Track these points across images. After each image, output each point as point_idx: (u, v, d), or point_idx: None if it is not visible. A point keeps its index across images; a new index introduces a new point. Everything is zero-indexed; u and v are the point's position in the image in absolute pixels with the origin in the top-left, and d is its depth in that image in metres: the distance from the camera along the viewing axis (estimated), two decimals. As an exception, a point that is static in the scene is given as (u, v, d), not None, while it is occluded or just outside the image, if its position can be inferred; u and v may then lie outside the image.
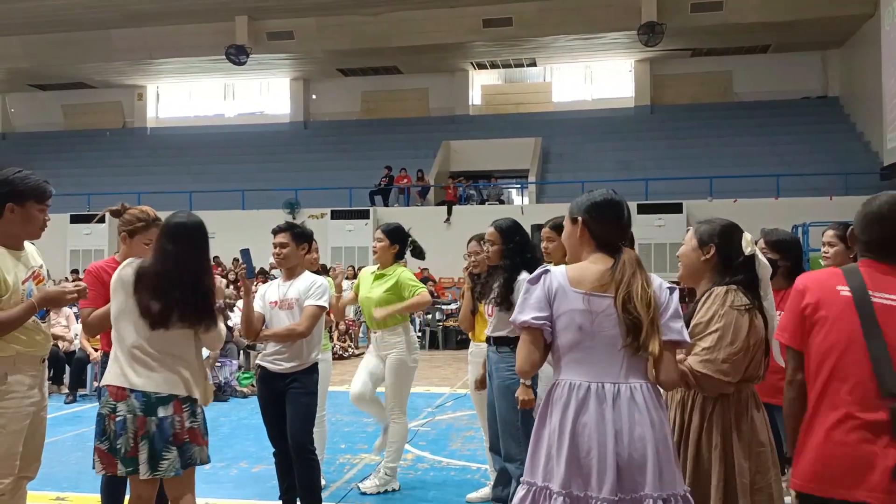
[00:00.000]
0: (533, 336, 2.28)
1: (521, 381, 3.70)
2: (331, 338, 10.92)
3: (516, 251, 3.96)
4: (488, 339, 4.04)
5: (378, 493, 4.70)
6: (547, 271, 2.33)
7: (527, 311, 2.29)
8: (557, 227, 4.17)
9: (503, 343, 3.93)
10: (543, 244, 4.16)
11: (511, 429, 3.86)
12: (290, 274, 4.04)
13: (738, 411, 2.60)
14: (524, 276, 3.84)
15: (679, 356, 2.43)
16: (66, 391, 8.69)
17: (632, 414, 2.20)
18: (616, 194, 2.44)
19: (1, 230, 2.99)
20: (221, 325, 3.13)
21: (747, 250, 2.64)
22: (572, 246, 2.44)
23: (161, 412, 2.93)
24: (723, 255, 2.66)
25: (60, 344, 9.03)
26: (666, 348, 2.28)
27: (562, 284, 2.29)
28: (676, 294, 2.36)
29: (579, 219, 2.40)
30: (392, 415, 4.75)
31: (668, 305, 2.31)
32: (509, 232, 4.00)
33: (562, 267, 2.36)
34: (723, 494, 2.51)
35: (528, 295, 2.31)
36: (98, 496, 3.57)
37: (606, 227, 2.38)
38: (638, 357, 2.25)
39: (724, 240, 2.67)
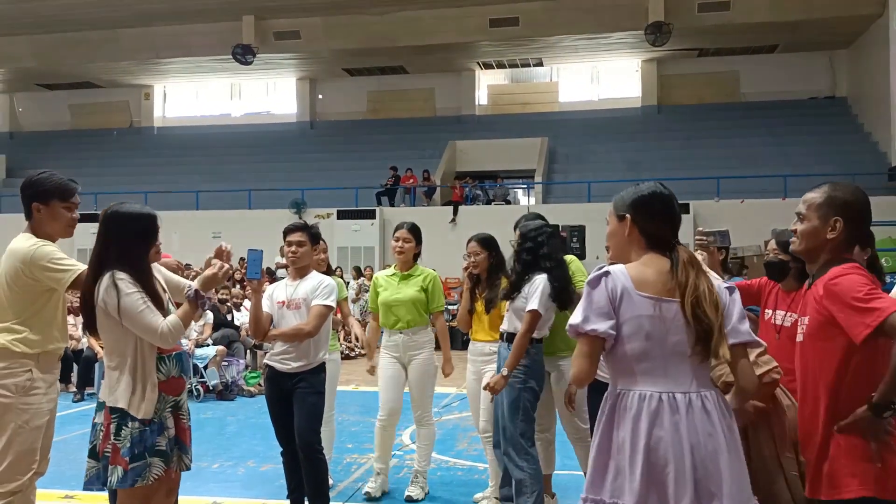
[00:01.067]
0: (594, 345, 2.13)
1: (502, 373, 3.83)
2: (339, 338, 10.93)
3: (533, 252, 3.97)
4: (501, 335, 4.05)
5: (425, 494, 4.65)
6: (607, 272, 2.16)
7: (592, 317, 2.11)
8: (483, 241, 4.23)
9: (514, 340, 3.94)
10: (471, 259, 4.26)
11: (511, 425, 3.88)
12: (299, 274, 4.04)
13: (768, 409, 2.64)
14: (543, 275, 3.87)
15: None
16: (74, 390, 8.72)
17: (705, 425, 2.10)
18: (665, 188, 2.29)
19: (36, 231, 3.08)
20: (158, 321, 2.74)
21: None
22: (619, 245, 2.28)
23: (97, 417, 2.88)
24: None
25: (69, 343, 9.07)
26: (738, 353, 2.21)
27: (626, 287, 2.13)
28: (737, 294, 2.28)
29: (627, 216, 2.24)
30: (424, 417, 4.66)
31: (731, 307, 2.22)
32: (526, 235, 4.03)
33: (622, 266, 2.18)
34: (790, 495, 2.52)
35: (591, 298, 2.14)
36: (105, 494, 3.57)
37: (658, 224, 2.22)
38: (704, 364, 2.17)
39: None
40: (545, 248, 3.96)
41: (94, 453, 2.80)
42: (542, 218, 4.32)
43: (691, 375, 2.14)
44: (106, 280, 2.75)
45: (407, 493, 4.65)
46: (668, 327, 2.13)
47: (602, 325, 2.10)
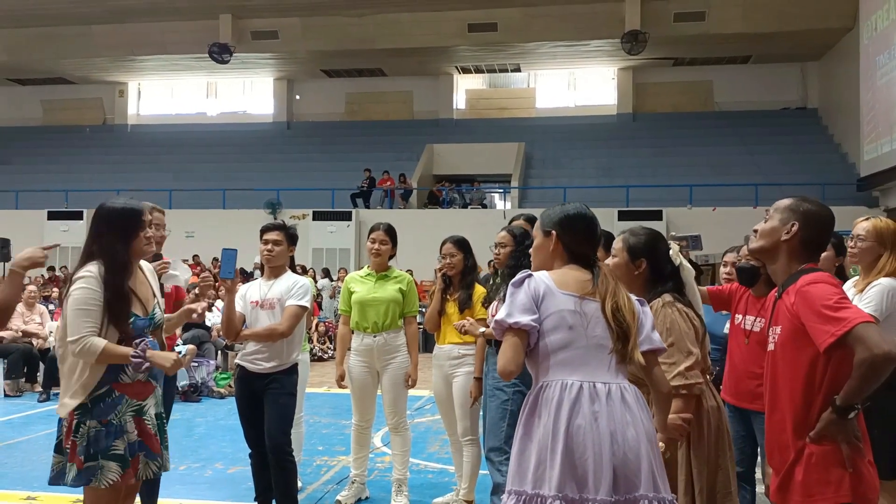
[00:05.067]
0: (520, 337, 2.26)
1: (475, 376, 3.95)
2: (309, 339, 10.86)
3: (525, 254, 3.97)
4: (489, 342, 4.03)
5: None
6: (530, 275, 2.33)
7: (515, 312, 2.26)
8: (459, 243, 4.30)
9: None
10: (446, 260, 4.26)
11: (496, 429, 3.88)
12: (273, 274, 4.01)
13: (696, 404, 2.74)
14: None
15: None
16: (40, 389, 8.56)
17: (623, 414, 2.20)
18: (587, 208, 2.46)
19: None
20: (82, 329, 2.65)
21: (676, 261, 2.81)
22: (542, 259, 2.45)
23: (60, 411, 2.80)
24: (653, 267, 2.78)
25: (34, 341, 8.91)
26: (651, 359, 2.35)
27: (549, 286, 2.30)
28: (647, 307, 2.44)
29: (553, 232, 2.40)
30: (400, 424, 4.53)
31: (643, 317, 2.37)
32: (522, 237, 4.02)
33: (543, 272, 2.36)
34: (697, 489, 2.64)
35: (514, 297, 2.29)
36: (69, 496, 3.51)
37: (581, 241, 2.40)
38: (623, 364, 2.29)
39: (653, 252, 2.80)
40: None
41: (59, 448, 2.77)
42: (537, 219, 4.34)
43: (612, 368, 2.26)
44: (86, 268, 2.73)
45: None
46: (590, 321, 2.27)
47: (525, 318, 2.24)
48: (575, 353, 2.25)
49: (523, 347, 2.26)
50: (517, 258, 3.96)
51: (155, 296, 2.94)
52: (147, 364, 2.70)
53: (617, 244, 2.84)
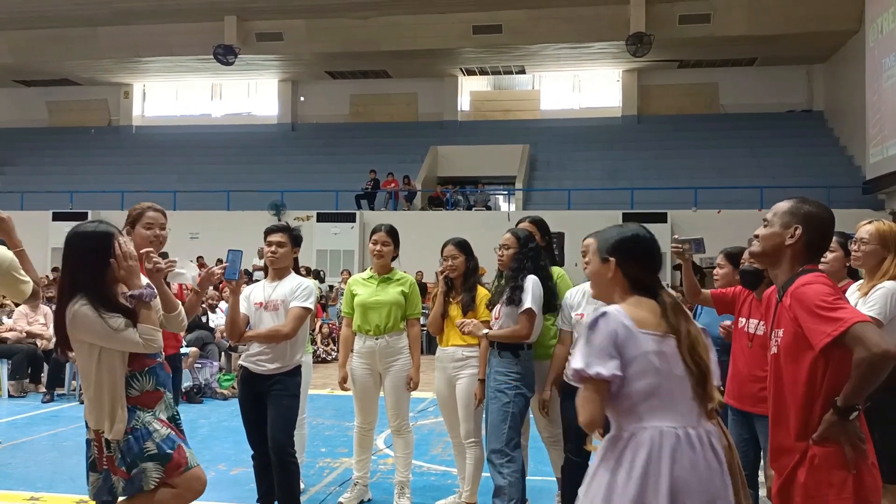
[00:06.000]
0: (600, 388, 2.07)
1: (479, 378, 3.99)
2: (313, 340, 10.85)
3: (529, 257, 4.00)
4: (492, 344, 4.03)
5: None
6: (605, 313, 2.13)
7: (594, 362, 2.06)
8: (461, 245, 4.28)
9: (505, 348, 3.94)
10: (448, 262, 4.26)
11: (497, 432, 3.88)
12: (277, 275, 4.01)
13: None
14: (532, 278, 3.92)
15: None
16: (44, 390, 8.57)
17: (713, 461, 2.10)
18: (645, 229, 2.30)
19: None
20: (130, 331, 2.76)
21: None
22: (602, 286, 2.29)
23: (88, 434, 2.90)
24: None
25: (38, 342, 8.92)
26: None
27: (627, 326, 2.10)
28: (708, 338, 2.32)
29: (611, 259, 2.24)
30: (402, 426, 4.53)
31: (712, 352, 2.25)
32: (526, 239, 4.05)
33: (618, 307, 2.17)
34: None
35: (591, 341, 2.09)
36: (72, 496, 3.52)
37: (642, 268, 2.24)
38: (703, 406, 2.17)
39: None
40: (542, 255, 4.06)
41: (94, 466, 2.85)
42: (544, 222, 4.36)
43: (697, 411, 2.13)
44: (71, 308, 2.76)
45: None
46: (671, 362, 2.12)
47: (606, 369, 2.05)
48: (663, 399, 2.10)
49: (605, 398, 2.09)
50: (520, 261, 3.97)
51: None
52: (152, 291, 2.83)
53: (589, 244, 2.77)
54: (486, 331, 3.90)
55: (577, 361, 2.09)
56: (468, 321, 3.97)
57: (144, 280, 2.90)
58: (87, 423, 2.86)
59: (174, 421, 2.94)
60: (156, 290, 2.89)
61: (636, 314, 2.14)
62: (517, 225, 4.31)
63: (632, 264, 2.22)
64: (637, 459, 2.06)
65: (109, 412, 2.75)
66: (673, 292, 2.27)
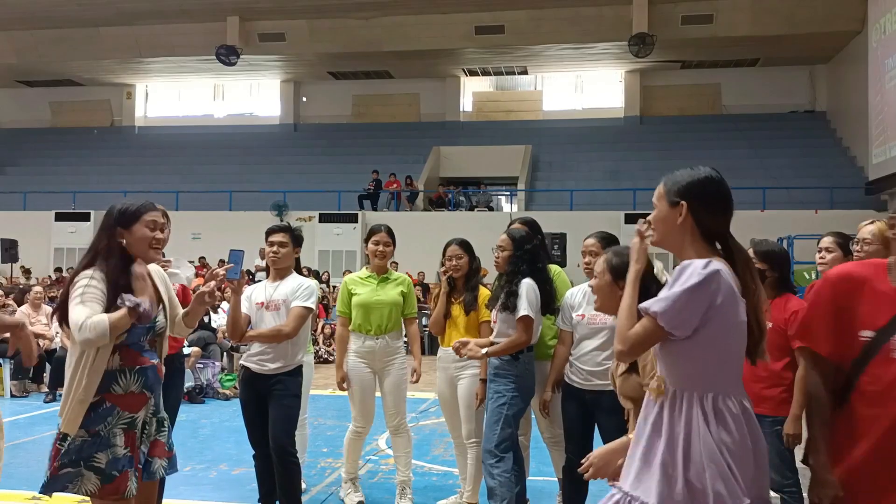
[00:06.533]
0: (657, 333, 1.93)
1: (481, 377, 3.93)
2: (315, 341, 10.83)
3: (525, 259, 3.93)
4: (491, 345, 4.01)
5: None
6: (718, 270, 1.92)
7: (687, 313, 1.90)
8: (464, 245, 4.31)
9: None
10: (451, 262, 4.24)
11: (489, 432, 3.86)
12: (279, 275, 4.01)
13: None
14: (527, 282, 3.84)
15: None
16: (46, 390, 8.59)
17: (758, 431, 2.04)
18: (718, 173, 2.08)
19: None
20: (82, 314, 2.58)
21: (663, 279, 2.62)
22: (668, 233, 2.05)
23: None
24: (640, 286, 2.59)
25: (41, 342, 8.93)
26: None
27: (733, 290, 1.95)
28: None
29: (683, 203, 2.01)
30: (401, 426, 4.54)
31: None
32: (521, 241, 3.98)
33: (722, 265, 1.95)
34: None
35: (691, 295, 1.90)
36: (73, 497, 3.51)
37: (716, 216, 2.02)
38: None
39: None
40: (538, 258, 3.96)
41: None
42: (535, 223, 4.32)
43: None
44: (79, 274, 2.67)
45: None
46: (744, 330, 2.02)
47: (682, 329, 1.91)
48: (738, 366, 2.01)
49: (655, 342, 1.98)
50: (515, 263, 3.92)
51: (161, 301, 2.84)
52: (140, 302, 2.61)
53: (599, 265, 2.68)
54: (484, 350, 3.82)
55: (660, 305, 1.91)
56: (465, 342, 3.83)
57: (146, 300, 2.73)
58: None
59: (160, 425, 2.79)
60: (151, 314, 2.71)
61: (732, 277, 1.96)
62: (509, 226, 4.25)
63: (705, 210, 2.01)
64: (728, 422, 1.94)
65: (71, 402, 2.60)
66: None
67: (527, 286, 3.82)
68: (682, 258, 2.01)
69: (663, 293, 1.95)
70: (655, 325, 1.93)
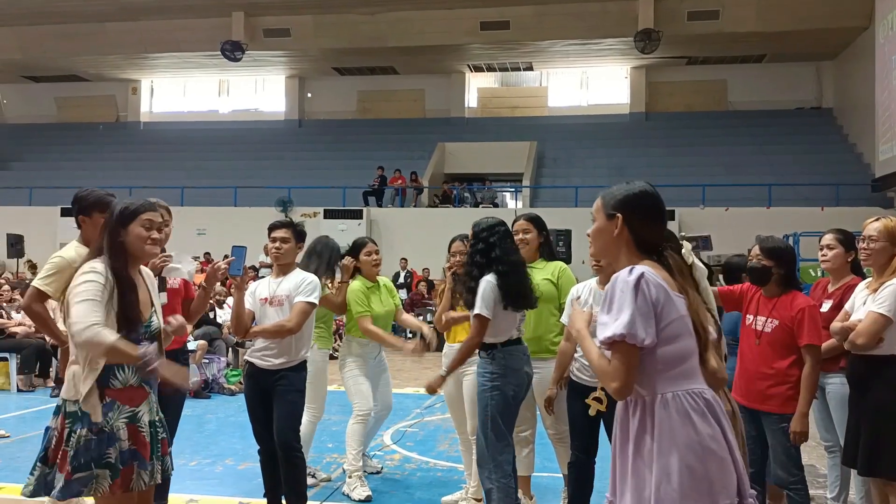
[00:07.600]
0: (637, 354, 1.98)
1: (440, 373, 3.90)
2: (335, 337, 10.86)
3: (478, 251, 3.77)
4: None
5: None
6: (642, 274, 2.01)
7: (639, 327, 1.96)
8: (463, 239, 4.24)
9: (482, 348, 3.80)
10: (456, 258, 4.23)
11: (480, 435, 3.79)
12: (282, 271, 4.02)
13: None
14: (489, 277, 3.70)
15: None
16: (52, 384, 8.62)
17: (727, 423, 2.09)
18: (653, 187, 2.19)
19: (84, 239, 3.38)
20: (90, 318, 2.55)
21: (689, 260, 2.57)
22: (606, 244, 2.16)
23: (52, 422, 2.67)
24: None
25: (47, 337, 8.96)
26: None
27: (664, 287, 2.02)
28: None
29: (619, 216, 2.11)
30: (382, 414, 4.94)
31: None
32: (476, 238, 3.83)
33: (647, 269, 2.03)
34: None
35: (634, 304, 1.97)
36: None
37: (650, 227, 2.12)
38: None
39: None
40: (497, 250, 3.73)
41: (45, 459, 2.64)
42: (540, 219, 4.28)
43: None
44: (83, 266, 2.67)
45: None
46: (690, 325, 2.09)
47: (649, 336, 1.97)
48: (693, 361, 2.06)
49: (638, 363, 2.01)
50: (468, 263, 3.81)
51: (153, 304, 2.83)
52: (153, 367, 2.58)
53: (596, 205, 2.72)
54: (443, 371, 3.87)
55: (617, 327, 1.97)
56: (431, 383, 3.89)
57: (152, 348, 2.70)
58: (55, 411, 2.69)
59: (153, 426, 2.74)
60: (157, 363, 2.64)
61: (663, 275, 2.05)
62: (513, 224, 4.17)
63: (640, 222, 2.11)
64: (699, 418, 1.99)
65: (81, 371, 2.58)
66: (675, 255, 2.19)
67: (484, 283, 3.68)
68: (618, 268, 2.09)
69: (603, 317, 2.02)
70: (628, 347, 1.98)
